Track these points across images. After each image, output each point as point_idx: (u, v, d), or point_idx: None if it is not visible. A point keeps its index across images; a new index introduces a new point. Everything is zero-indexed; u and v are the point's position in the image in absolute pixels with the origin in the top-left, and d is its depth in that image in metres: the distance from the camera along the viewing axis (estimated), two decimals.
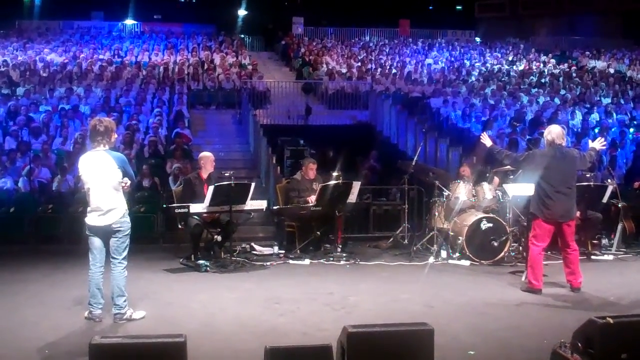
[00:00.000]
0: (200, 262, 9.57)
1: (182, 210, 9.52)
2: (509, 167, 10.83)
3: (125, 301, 6.91)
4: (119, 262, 6.91)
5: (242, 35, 32.75)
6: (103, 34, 30.01)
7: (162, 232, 11.93)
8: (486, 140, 9.04)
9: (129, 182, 7.01)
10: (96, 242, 6.93)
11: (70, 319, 7.03)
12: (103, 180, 6.83)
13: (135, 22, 33.56)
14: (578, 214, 9.24)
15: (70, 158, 13.77)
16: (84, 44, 26.78)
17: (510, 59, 28.71)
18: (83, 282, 8.48)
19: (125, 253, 6.96)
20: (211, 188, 9.41)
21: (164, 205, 10.40)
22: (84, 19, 33.23)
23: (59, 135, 15.31)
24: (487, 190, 10.67)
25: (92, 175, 6.86)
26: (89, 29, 31.41)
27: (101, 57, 24.19)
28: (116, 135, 7.21)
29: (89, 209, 6.93)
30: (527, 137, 14.68)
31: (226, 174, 10.00)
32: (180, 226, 10.08)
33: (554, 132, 8.31)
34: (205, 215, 9.72)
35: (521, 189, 9.45)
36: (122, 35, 30.38)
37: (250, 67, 23.69)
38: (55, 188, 12.99)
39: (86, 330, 6.14)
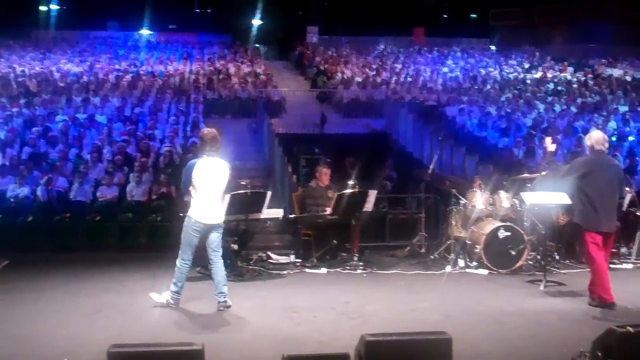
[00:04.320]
0: None
1: None
2: (526, 175, 10.81)
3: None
4: (220, 256, 7.87)
5: (257, 45, 32.86)
6: (119, 44, 30.21)
7: (178, 241, 11.90)
8: (551, 146, 8.83)
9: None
10: (194, 239, 7.73)
11: (87, 327, 7.06)
12: (216, 184, 7.70)
13: (151, 32, 33.74)
14: None
15: (87, 167, 13.86)
16: (100, 54, 26.96)
17: (526, 67, 28.60)
18: (100, 290, 8.56)
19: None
20: (227, 197, 9.41)
21: (180, 214, 10.39)
22: (99, 29, 33.46)
23: (76, 144, 15.38)
24: (505, 199, 10.60)
25: (208, 179, 7.66)
26: (105, 39, 31.66)
27: (117, 67, 24.34)
28: None
29: (197, 209, 7.68)
30: (544, 145, 14.58)
31: (242, 183, 10.02)
32: None
33: (593, 138, 8.13)
34: None
35: (538, 198, 9.38)
36: (138, 45, 30.55)
37: (263, 77, 23.73)
38: (73, 197, 13.06)
39: (103, 338, 6.13)
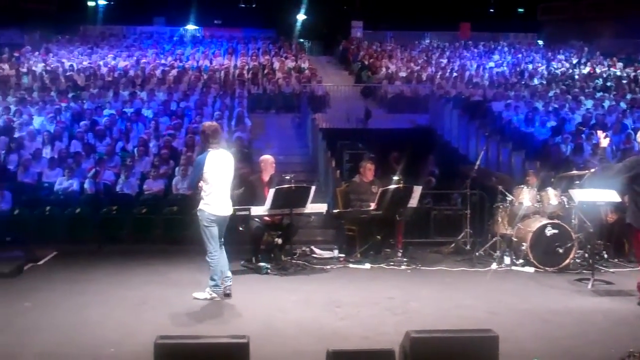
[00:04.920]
0: (261, 264, 9.62)
1: (243, 213, 9.59)
2: (575, 172, 10.63)
3: None
4: (222, 244, 8.08)
5: (301, 40, 32.91)
6: (165, 39, 30.49)
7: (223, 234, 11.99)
8: (604, 141, 8.68)
9: None
10: (216, 231, 7.86)
11: (133, 318, 7.15)
12: (226, 176, 7.93)
13: (197, 27, 34.02)
14: None
15: (133, 160, 14.04)
16: (147, 49, 27.26)
17: (574, 62, 28.14)
18: (146, 282, 8.65)
19: None
20: (272, 191, 9.45)
21: None
22: (146, 25, 33.84)
23: (123, 138, 15.59)
24: (552, 196, 10.42)
25: (219, 171, 7.86)
26: (151, 34, 31.99)
27: (163, 61, 24.58)
28: None
29: (211, 202, 7.81)
30: (593, 141, 14.32)
31: (287, 177, 10.04)
32: (240, 229, 10.13)
33: None
34: (266, 217, 9.76)
35: (588, 195, 9.21)
36: (183, 40, 30.80)
37: (307, 72, 23.73)
38: (119, 190, 13.24)
39: (150, 330, 6.20)
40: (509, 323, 6.95)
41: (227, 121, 17.51)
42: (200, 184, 7.87)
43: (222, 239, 8.07)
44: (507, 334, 6.06)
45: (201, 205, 7.89)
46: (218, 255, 7.92)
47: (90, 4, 34.80)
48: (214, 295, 7.86)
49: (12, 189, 12.95)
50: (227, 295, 7.95)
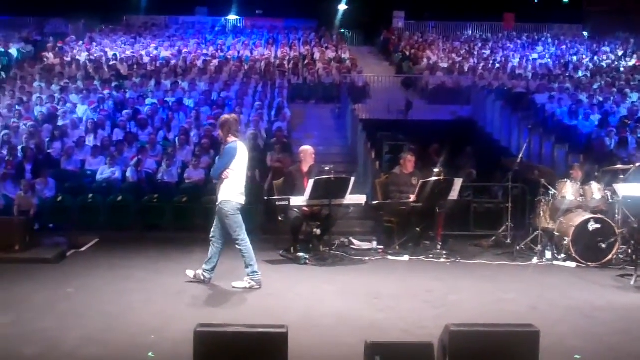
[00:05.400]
0: (300, 254, 9.64)
1: (283, 203, 9.61)
2: (619, 166, 10.44)
3: None
4: None
5: (342, 30, 32.79)
6: (207, 29, 30.64)
7: (262, 224, 12.05)
8: None
9: None
10: (241, 219, 7.98)
11: (174, 305, 7.21)
12: (246, 166, 8.10)
13: (238, 17, 34.13)
14: None
15: (174, 149, 14.16)
16: (189, 39, 27.43)
17: (619, 54, 27.59)
18: (185, 270, 8.71)
19: None
20: (311, 182, 9.46)
21: (265, 198, 10.53)
22: (188, 15, 34.06)
23: (164, 127, 15.72)
24: (596, 190, 10.24)
25: (243, 161, 8.02)
26: (193, 24, 32.18)
27: (205, 52, 24.72)
28: None
29: (236, 191, 7.93)
30: (638, 135, 14.05)
31: (326, 168, 10.03)
32: (280, 219, 10.16)
33: None
34: (305, 208, 9.77)
35: (633, 190, 9.04)
36: (225, 31, 30.92)
37: (348, 62, 23.66)
38: (160, 178, 13.37)
39: (190, 317, 6.25)
40: (550, 318, 6.85)
41: (267, 111, 17.56)
42: (225, 174, 7.90)
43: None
44: (548, 329, 5.97)
45: (226, 196, 7.91)
46: (247, 241, 7.96)
47: None
48: (253, 283, 7.89)
49: (56, 177, 13.18)
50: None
